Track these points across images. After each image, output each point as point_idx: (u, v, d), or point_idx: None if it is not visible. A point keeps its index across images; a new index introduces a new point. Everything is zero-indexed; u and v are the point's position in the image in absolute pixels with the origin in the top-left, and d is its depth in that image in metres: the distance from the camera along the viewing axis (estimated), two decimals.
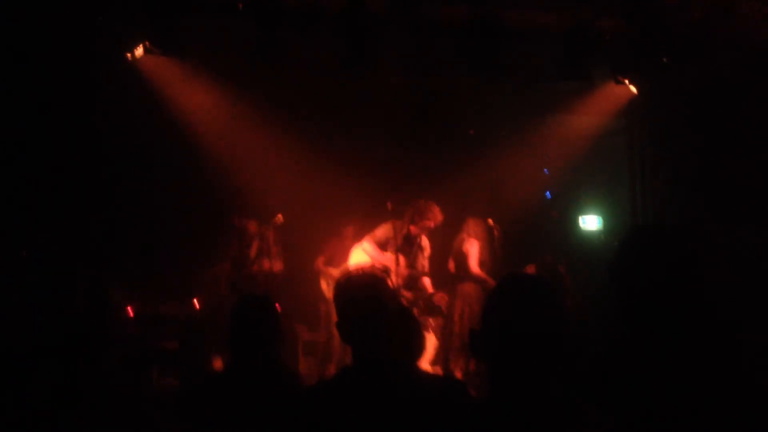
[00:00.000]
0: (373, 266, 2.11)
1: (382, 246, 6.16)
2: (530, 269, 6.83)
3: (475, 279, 6.58)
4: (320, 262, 7.36)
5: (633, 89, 6.71)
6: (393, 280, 2.12)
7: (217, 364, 6.71)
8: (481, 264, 6.59)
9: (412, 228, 6.20)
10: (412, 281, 6.39)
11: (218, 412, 2.49)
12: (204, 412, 2.53)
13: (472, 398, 2.11)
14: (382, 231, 6.16)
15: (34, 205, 5.61)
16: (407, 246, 6.23)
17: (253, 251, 6.95)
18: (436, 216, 6.17)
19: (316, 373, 6.96)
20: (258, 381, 2.57)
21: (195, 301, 6.62)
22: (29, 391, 2.31)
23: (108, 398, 2.34)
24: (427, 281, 6.46)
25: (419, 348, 3.20)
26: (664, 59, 6.16)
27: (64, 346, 2.47)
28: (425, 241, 6.38)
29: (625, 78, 6.44)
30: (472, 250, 6.61)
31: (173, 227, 7.10)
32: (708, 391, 1.69)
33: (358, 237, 7.22)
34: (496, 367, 1.57)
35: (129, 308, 6.12)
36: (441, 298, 6.42)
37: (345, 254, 7.16)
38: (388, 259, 6.01)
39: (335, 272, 7.17)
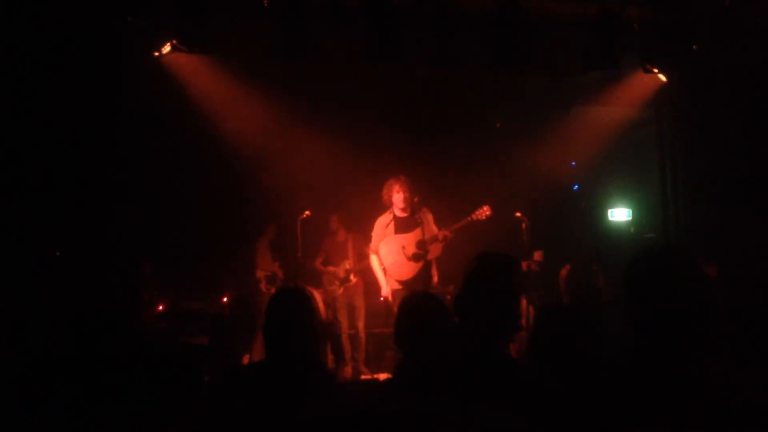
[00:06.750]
0: (432, 288, 2.44)
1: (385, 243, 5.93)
2: (564, 271, 6.78)
3: None
4: (318, 263, 7.36)
5: (662, 78, 6.60)
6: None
7: (245, 359, 6.78)
8: None
9: (396, 211, 5.89)
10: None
11: (250, 406, 2.45)
12: (236, 406, 2.49)
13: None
14: (374, 236, 5.97)
15: (67, 203, 5.69)
16: (404, 229, 5.91)
17: None
18: (393, 189, 5.83)
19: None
20: (290, 375, 2.50)
21: (224, 298, 6.68)
22: (58, 388, 2.31)
23: (135, 393, 2.31)
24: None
25: None
26: (694, 47, 6.05)
27: (91, 342, 2.46)
28: (427, 217, 5.97)
29: (654, 67, 6.33)
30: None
31: (202, 223, 7.16)
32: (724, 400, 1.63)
33: (343, 225, 7.26)
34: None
35: (160, 305, 6.20)
36: None
37: (340, 251, 7.20)
38: (394, 265, 5.84)
39: (336, 270, 7.20)
